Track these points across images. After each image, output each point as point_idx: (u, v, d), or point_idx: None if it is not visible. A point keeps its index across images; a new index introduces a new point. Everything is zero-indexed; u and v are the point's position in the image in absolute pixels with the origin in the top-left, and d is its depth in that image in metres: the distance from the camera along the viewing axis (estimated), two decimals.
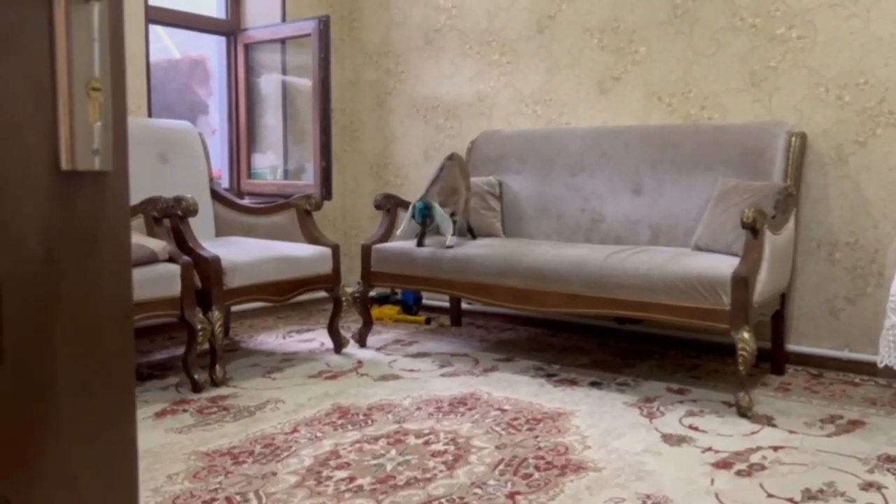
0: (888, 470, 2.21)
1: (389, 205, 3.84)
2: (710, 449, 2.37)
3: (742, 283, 2.67)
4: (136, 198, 3.00)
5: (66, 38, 0.59)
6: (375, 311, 4.20)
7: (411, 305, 4.43)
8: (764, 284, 2.80)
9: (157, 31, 4.45)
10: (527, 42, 4.12)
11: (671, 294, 2.83)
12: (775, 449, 2.37)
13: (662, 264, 2.89)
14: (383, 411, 2.72)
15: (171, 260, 2.94)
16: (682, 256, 2.97)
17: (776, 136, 3.25)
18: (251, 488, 2.07)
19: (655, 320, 2.99)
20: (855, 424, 2.60)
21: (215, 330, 2.99)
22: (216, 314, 3.01)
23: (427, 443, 2.41)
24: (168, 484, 2.10)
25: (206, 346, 3.00)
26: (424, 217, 3.46)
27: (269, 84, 4.64)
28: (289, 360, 3.47)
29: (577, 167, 3.78)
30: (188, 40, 4.95)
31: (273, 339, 3.90)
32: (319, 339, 3.85)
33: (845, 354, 3.27)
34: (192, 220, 3.14)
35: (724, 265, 2.77)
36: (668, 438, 2.46)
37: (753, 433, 2.51)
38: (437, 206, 3.46)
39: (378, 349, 3.66)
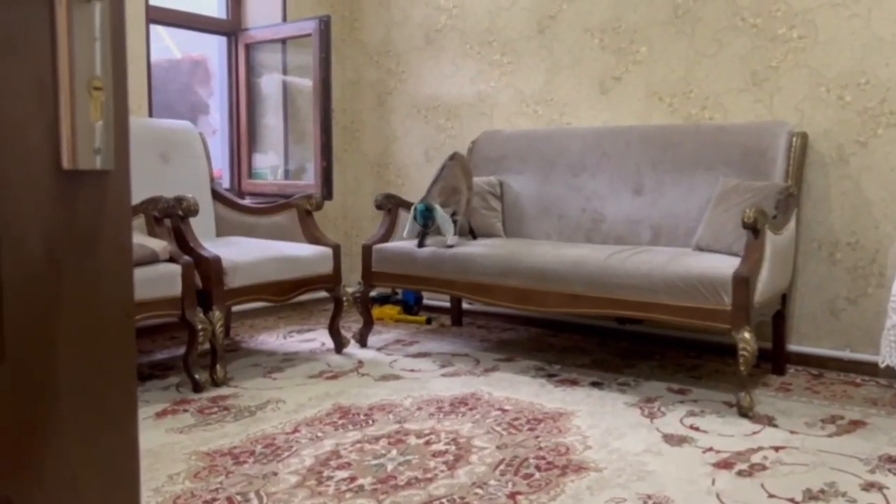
0: (889, 470, 2.20)
1: (390, 205, 3.84)
2: (711, 449, 2.37)
3: (743, 283, 2.67)
4: (136, 198, 3.00)
5: (68, 38, 0.59)
6: (376, 311, 4.20)
7: (412, 305, 4.43)
8: (765, 284, 2.79)
9: (157, 30, 4.45)
10: (528, 42, 4.12)
11: (672, 294, 2.83)
12: (776, 449, 2.37)
13: (663, 264, 2.89)
14: (384, 411, 2.72)
15: (171, 260, 2.94)
16: (682, 256, 2.97)
17: (777, 136, 3.25)
18: (252, 488, 2.07)
19: (656, 320, 2.98)
20: (856, 425, 2.60)
21: (216, 330, 2.99)
22: (217, 314, 3.01)
23: (428, 443, 2.41)
24: (169, 484, 2.10)
25: (207, 346, 3.00)
26: (426, 219, 3.46)
27: (269, 84, 4.64)
28: (289, 360, 3.47)
29: (577, 167, 3.78)
30: (189, 40, 4.95)
31: (274, 339, 3.90)
32: (320, 339, 3.85)
33: (846, 355, 3.27)
34: (192, 220, 3.14)
35: (725, 265, 2.77)
36: (669, 438, 2.46)
37: (754, 433, 2.51)
38: (438, 207, 3.46)
39: (379, 349, 3.66)
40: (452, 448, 2.36)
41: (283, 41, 4.50)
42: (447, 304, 4.30)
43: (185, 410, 2.74)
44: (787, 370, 3.28)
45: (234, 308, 3.56)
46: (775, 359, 3.26)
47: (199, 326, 2.93)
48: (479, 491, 2.04)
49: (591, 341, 3.81)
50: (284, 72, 4.61)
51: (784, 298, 3.23)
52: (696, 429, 2.55)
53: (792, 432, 2.52)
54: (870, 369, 3.15)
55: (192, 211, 3.10)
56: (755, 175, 3.23)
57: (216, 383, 3.02)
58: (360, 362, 3.42)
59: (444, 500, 1.99)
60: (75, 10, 0.59)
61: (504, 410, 2.72)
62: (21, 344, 0.59)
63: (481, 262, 3.32)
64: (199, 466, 2.22)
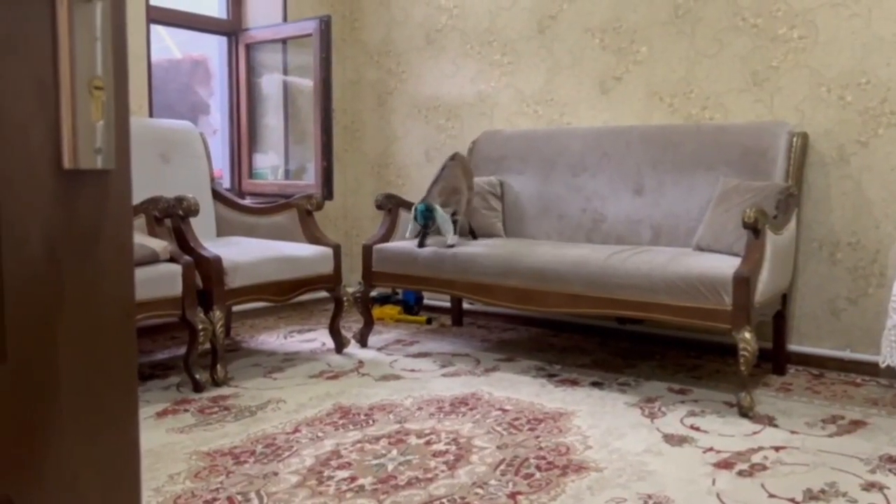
0: (890, 470, 2.20)
1: (391, 205, 3.84)
2: (711, 449, 2.36)
3: (743, 283, 2.67)
4: (137, 198, 3.00)
5: (69, 37, 0.59)
6: (376, 311, 4.20)
7: (412, 305, 4.43)
8: (765, 284, 2.79)
9: (158, 31, 4.45)
10: (528, 42, 4.12)
11: (672, 294, 2.83)
12: (777, 449, 2.37)
13: (664, 264, 2.89)
14: (384, 411, 2.72)
15: (172, 260, 2.94)
16: (683, 256, 2.97)
17: (778, 137, 3.25)
18: (252, 488, 2.07)
19: (657, 320, 2.98)
20: (856, 425, 2.60)
21: (216, 330, 2.99)
22: (217, 314, 3.01)
23: (428, 443, 2.41)
24: (169, 484, 2.10)
25: (208, 345, 3.00)
26: (426, 219, 3.46)
27: (270, 84, 4.64)
28: (290, 359, 3.47)
29: (578, 167, 3.78)
30: (189, 40, 4.95)
31: (274, 339, 3.90)
32: (320, 339, 3.85)
33: (847, 355, 3.27)
34: (193, 220, 3.14)
35: (726, 265, 2.77)
36: (669, 438, 2.46)
37: (755, 433, 2.51)
38: (438, 208, 3.46)
39: (379, 349, 3.66)
40: (453, 448, 2.36)
41: (284, 41, 4.50)
42: (447, 304, 4.30)
43: (186, 410, 2.74)
44: (788, 370, 3.28)
45: (235, 308, 3.56)
46: (776, 359, 3.26)
47: (200, 326, 2.93)
48: (480, 491, 2.04)
49: (592, 341, 3.81)
50: (285, 72, 4.61)
51: (784, 298, 3.23)
52: (697, 429, 2.55)
53: (792, 432, 2.52)
54: (870, 369, 3.14)
55: (193, 211, 3.10)
56: (756, 175, 3.22)
57: (217, 383, 3.02)
58: (361, 362, 3.42)
59: (444, 500, 1.99)
60: (76, 9, 0.60)
61: (504, 410, 2.72)
62: (22, 343, 0.59)
63: (482, 262, 3.32)
64: (200, 466, 2.22)
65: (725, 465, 2.24)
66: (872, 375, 3.16)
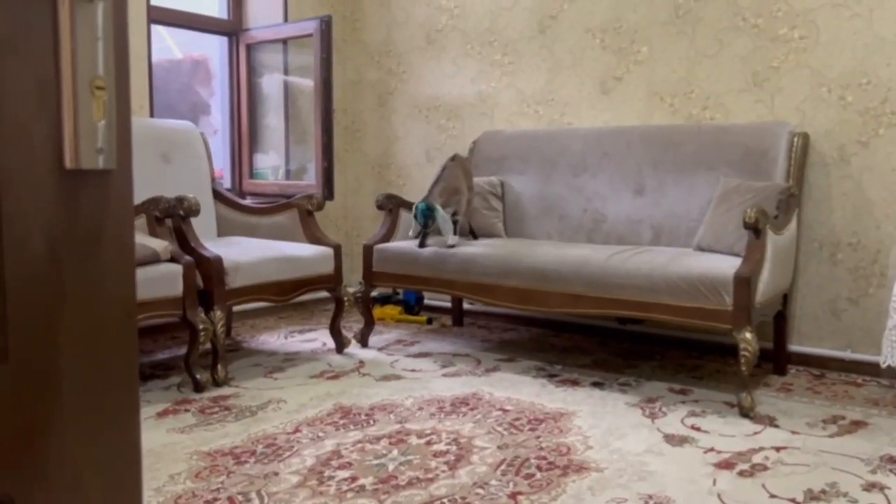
0: (890, 470, 2.20)
1: (391, 205, 3.84)
2: (712, 449, 2.36)
3: (744, 283, 2.67)
4: (138, 198, 3.00)
5: (71, 37, 0.59)
6: (377, 312, 4.20)
7: (413, 305, 4.43)
8: (766, 285, 2.79)
9: (159, 31, 4.45)
10: (529, 42, 4.12)
11: (673, 294, 2.82)
12: (777, 449, 2.37)
13: (664, 264, 2.89)
14: (385, 411, 2.72)
15: (172, 260, 2.94)
16: (684, 257, 2.97)
17: (778, 137, 3.25)
18: (253, 488, 2.07)
19: (657, 320, 2.98)
20: (857, 425, 2.60)
21: (217, 330, 2.99)
22: (218, 314, 3.01)
23: (429, 443, 2.41)
24: (170, 484, 2.10)
25: (208, 345, 3.00)
26: (426, 218, 3.46)
27: (270, 84, 4.64)
28: (290, 360, 3.47)
29: (578, 167, 3.78)
30: (190, 40, 4.95)
31: (275, 339, 3.90)
32: (321, 339, 3.85)
33: (847, 355, 3.27)
34: (193, 220, 3.14)
35: (727, 265, 2.77)
36: (670, 439, 2.45)
37: (755, 433, 2.51)
38: (438, 207, 3.46)
39: (380, 349, 3.66)
40: (453, 448, 2.36)
41: (284, 41, 4.50)
42: (448, 305, 4.30)
43: (187, 410, 2.74)
44: (789, 370, 3.28)
45: (235, 308, 3.57)
46: (776, 359, 3.26)
47: (201, 326, 2.93)
48: (481, 491, 2.04)
49: (593, 341, 3.81)
50: (285, 72, 4.61)
51: (785, 298, 3.23)
52: (698, 429, 2.55)
53: (793, 432, 2.52)
54: (871, 369, 3.14)
55: (194, 211, 3.10)
56: (756, 175, 3.22)
57: (217, 383, 3.02)
58: (361, 362, 3.42)
59: (445, 500, 1.99)
60: (78, 9, 0.60)
61: (505, 410, 2.72)
62: (24, 343, 0.59)
63: (482, 263, 3.32)
64: (201, 466, 2.22)
65: (726, 465, 2.24)
66: (873, 376, 3.16)
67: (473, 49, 4.32)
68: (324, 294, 3.68)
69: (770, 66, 3.40)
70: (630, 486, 2.08)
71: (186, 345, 3.01)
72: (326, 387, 3.03)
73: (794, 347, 3.36)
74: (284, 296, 3.34)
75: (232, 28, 4.58)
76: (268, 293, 3.27)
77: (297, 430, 2.52)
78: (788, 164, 3.21)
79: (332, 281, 3.51)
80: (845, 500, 2.01)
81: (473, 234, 3.82)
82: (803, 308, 3.36)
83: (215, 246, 3.21)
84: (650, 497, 2.01)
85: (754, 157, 3.28)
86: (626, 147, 3.65)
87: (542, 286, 3.15)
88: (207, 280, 3.01)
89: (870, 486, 2.10)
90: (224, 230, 3.84)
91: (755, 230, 2.74)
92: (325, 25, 4.14)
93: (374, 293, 3.90)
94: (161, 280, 2.85)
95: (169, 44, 5.00)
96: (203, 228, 3.42)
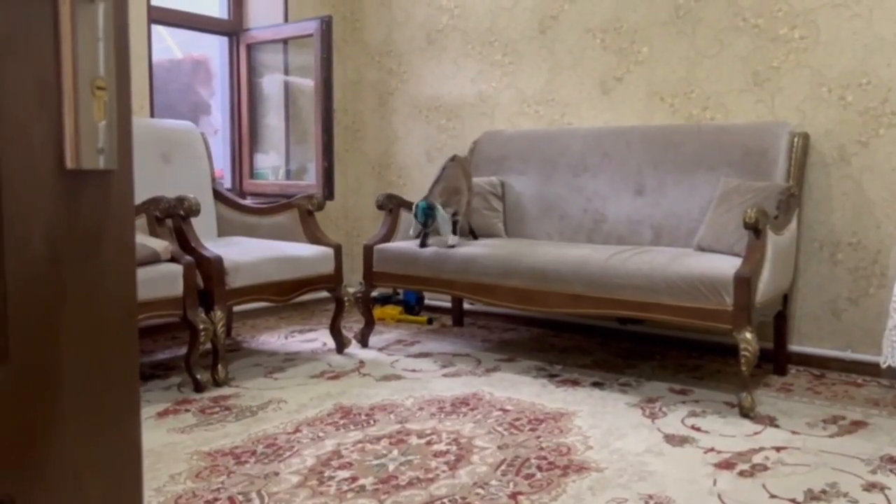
0: (891, 471, 2.20)
1: (391, 205, 3.84)
2: (712, 449, 2.36)
3: (744, 283, 2.67)
4: (138, 198, 2.99)
5: (72, 37, 0.59)
6: (377, 312, 4.20)
7: (413, 305, 4.43)
8: (766, 285, 2.79)
9: (159, 31, 4.45)
10: (529, 42, 4.12)
11: (673, 294, 2.82)
12: (778, 449, 2.37)
13: (665, 265, 2.89)
14: (385, 411, 2.72)
15: (173, 260, 2.94)
16: (684, 257, 2.97)
17: (779, 137, 3.25)
18: (253, 488, 2.07)
19: (657, 321, 2.98)
20: (857, 425, 2.60)
21: (217, 330, 3.00)
22: (218, 314, 3.01)
23: (429, 443, 2.41)
24: (171, 484, 2.10)
25: (209, 346, 3.00)
26: (426, 217, 3.46)
27: (271, 84, 4.64)
28: (291, 360, 3.47)
29: (579, 167, 3.78)
30: (190, 40, 4.95)
31: (275, 339, 3.90)
32: (321, 339, 3.85)
33: (848, 355, 3.27)
34: (194, 220, 3.14)
35: (727, 265, 2.77)
36: (670, 439, 2.46)
37: (756, 434, 2.51)
38: (439, 206, 3.46)
39: (380, 349, 3.66)
40: (454, 448, 2.36)
41: (285, 41, 4.50)
42: (448, 305, 4.30)
43: (187, 410, 2.74)
44: (789, 370, 3.28)
45: (236, 308, 3.57)
46: (777, 359, 3.26)
47: (201, 326, 2.93)
48: (481, 491, 2.04)
49: (593, 341, 3.81)
50: (286, 72, 4.62)
51: (785, 299, 3.23)
52: (698, 429, 2.55)
53: (793, 433, 2.52)
54: (871, 370, 3.14)
55: (194, 211, 3.10)
56: (756, 175, 3.22)
57: (217, 383, 3.02)
58: (362, 362, 3.42)
59: (445, 501, 1.99)
60: (79, 9, 0.60)
61: (505, 410, 2.72)
62: (24, 343, 0.59)
63: (482, 263, 3.32)
64: (201, 466, 2.22)
65: (726, 465, 2.24)
66: (873, 376, 3.16)
67: (474, 49, 4.32)
68: (324, 294, 3.68)
69: (770, 66, 3.40)
70: (630, 486, 2.08)
71: (187, 345, 3.01)
72: (327, 387, 3.03)
73: (795, 347, 3.36)
74: (285, 296, 3.34)
75: (232, 28, 4.58)
76: (268, 293, 3.27)
77: (297, 430, 2.52)
78: (788, 164, 3.21)
79: (333, 281, 3.51)
80: (845, 500, 2.01)
81: (473, 234, 3.82)
82: (803, 308, 3.36)
83: (215, 246, 3.21)
84: (650, 497, 2.02)
85: (754, 157, 3.28)
86: (627, 147, 3.65)
87: (543, 286, 3.15)
88: (208, 280, 3.02)
89: (870, 487, 2.10)
90: (224, 230, 3.84)
91: (755, 230, 2.74)
92: (326, 25, 4.14)
93: (375, 293, 3.91)
94: (161, 280, 2.85)
95: (169, 44, 5.00)
96: (203, 228, 3.43)
